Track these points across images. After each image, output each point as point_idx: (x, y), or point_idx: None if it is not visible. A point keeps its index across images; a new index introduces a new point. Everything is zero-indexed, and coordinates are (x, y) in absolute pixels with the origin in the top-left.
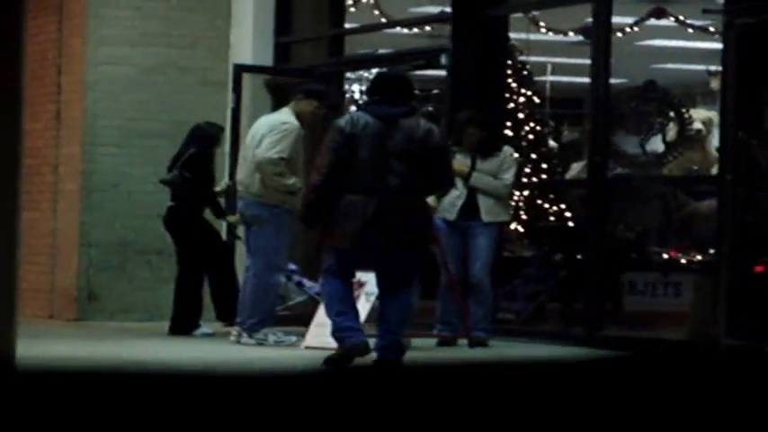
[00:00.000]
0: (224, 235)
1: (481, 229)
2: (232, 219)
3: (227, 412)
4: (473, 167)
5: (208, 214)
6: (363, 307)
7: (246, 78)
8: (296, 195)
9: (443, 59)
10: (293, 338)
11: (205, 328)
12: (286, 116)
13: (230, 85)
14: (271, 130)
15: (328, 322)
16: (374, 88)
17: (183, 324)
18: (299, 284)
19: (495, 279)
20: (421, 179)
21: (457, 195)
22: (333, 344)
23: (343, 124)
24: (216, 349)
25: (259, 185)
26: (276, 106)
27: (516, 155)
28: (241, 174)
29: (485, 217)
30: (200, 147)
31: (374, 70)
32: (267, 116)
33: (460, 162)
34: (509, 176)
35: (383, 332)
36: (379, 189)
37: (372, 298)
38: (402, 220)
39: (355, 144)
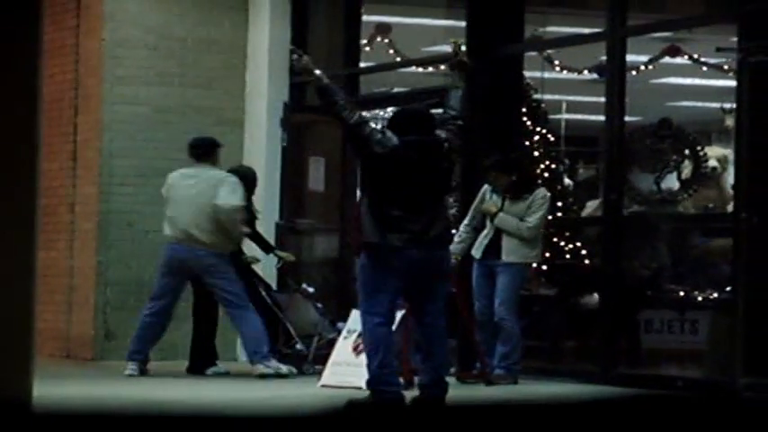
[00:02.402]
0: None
1: (503, 268)
2: (282, 254)
3: None
4: (501, 208)
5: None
6: (342, 344)
7: (263, 116)
8: (240, 245)
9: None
10: (283, 368)
11: (219, 366)
12: (224, 173)
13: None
14: (219, 181)
15: (347, 360)
16: (404, 123)
17: (200, 363)
18: (333, 323)
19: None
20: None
21: (484, 234)
22: (351, 383)
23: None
24: (233, 388)
25: (213, 235)
26: (291, 141)
27: (548, 195)
28: (182, 222)
29: (505, 257)
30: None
31: (389, 109)
32: (198, 169)
33: (489, 202)
34: (533, 219)
35: (429, 369)
36: (419, 216)
37: (354, 336)
38: (442, 251)
39: (394, 163)
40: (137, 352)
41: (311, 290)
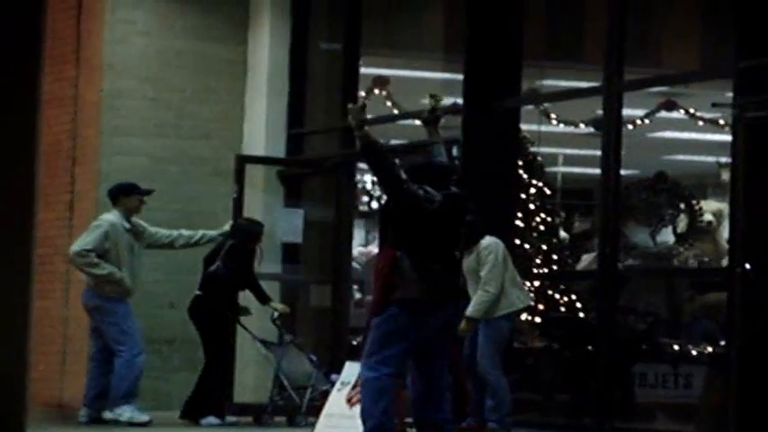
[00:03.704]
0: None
1: (482, 323)
2: (278, 306)
3: None
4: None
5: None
6: (335, 396)
7: (259, 169)
8: (121, 286)
9: (455, 151)
10: (145, 417)
11: (211, 418)
12: (105, 215)
13: (233, 176)
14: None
15: (340, 412)
16: (436, 177)
17: (193, 410)
18: (327, 374)
19: (506, 371)
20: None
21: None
22: None
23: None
24: None
25: (92, 277)
26: (288, 197)
27: (494, 242)
28: None
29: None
30: (240, 240)
31: None
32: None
33: None
34: (486, 275)
35: (441, 421)
36: (453, 270)
37: (347, 388)
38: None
39: (437, 218)
40: (86, 397)
41: (314, 358)
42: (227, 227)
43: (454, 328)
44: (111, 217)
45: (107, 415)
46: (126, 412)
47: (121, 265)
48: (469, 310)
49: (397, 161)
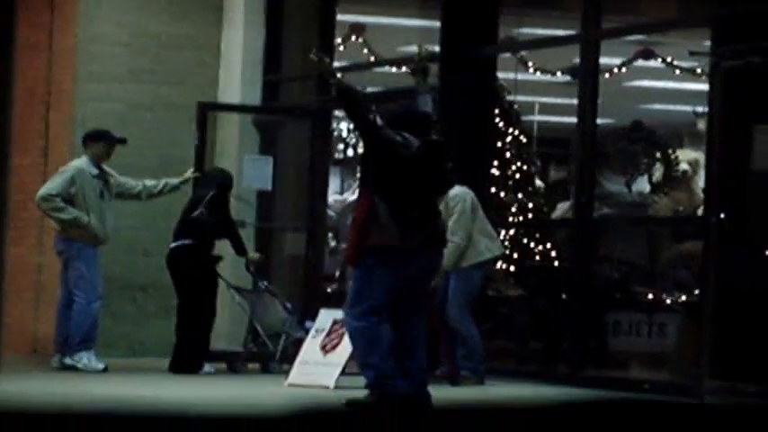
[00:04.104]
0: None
1: (453, 274)
2: (253, 256)
3: None
4: None
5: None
6: (310, 344)
7: (233, 117)
8: (88, 230)
9: (430, 98)
10: (100, 366)
11: (208, 367)
12: (74, 161)
13: (194, 123)
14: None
15: (315, 360)
16: (415, 125)
17: (187, 363)
18: (301, 322)
19: (476, 319)
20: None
21: None
22: (318, 382)
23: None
24: (201, 387)
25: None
26: (263, 143)
27: (461, 191)
28: None
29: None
30: (219, 189)
31: None
32: None
33: None
34: (454, 225)
35: (413, 369)
36: (433, 217)
37: (322, 335)
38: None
39: (415, 164)
40: (56, 343)
41: (289, 305)
42: (188, 174)
43: (432, 275)
44: (79, 162)
45: (67, 361)
46: (83, 359)
47: (89, 210)
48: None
49: (374, 108)
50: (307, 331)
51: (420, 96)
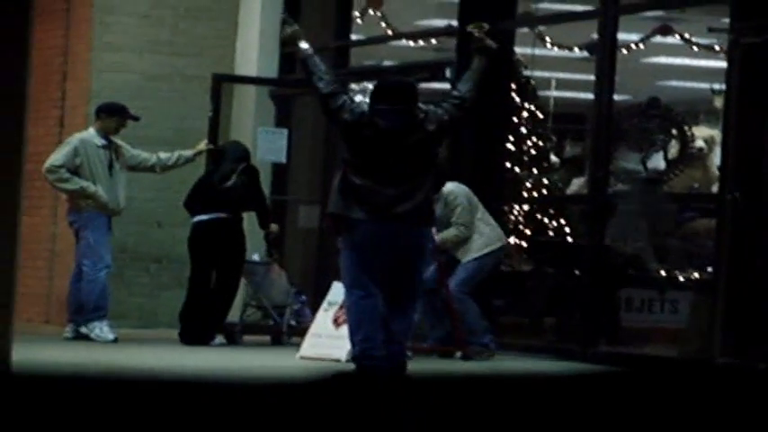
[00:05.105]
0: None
1: (461, 265)
2: (273, 227)
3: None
4: None
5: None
6: (322, 317)
7: (250, 89)
8: (96, 200)
9: (448, 73)
10: (111, 336)
11: (219, 338)
12: (80, 133)
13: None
14: None
15: (327, 333)
16: (379, 94)
17: (199, 333)
18: (298, 293)
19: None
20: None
21: None
22: (330, 355)
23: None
24: (213, 358)
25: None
26: (279, 116)
27: (454, 187)
28: None
29: (460, 256)
30: (247, 161)
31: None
32: None
33: None
34: (457, 218)
35: (386, 342)
36: (387, 189)
37: (334, 308)
38: (411, 228)
39: (361, 131)
40: (69, 313)
41: (304, 298)
42: (202, 146)
43: (404, 252)
44: (84, 134)
45: (83, 330)
46: (95, 329)
47: (96, 180)
48: (438, 237)
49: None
50: (303, 303)
51: (467, 73)
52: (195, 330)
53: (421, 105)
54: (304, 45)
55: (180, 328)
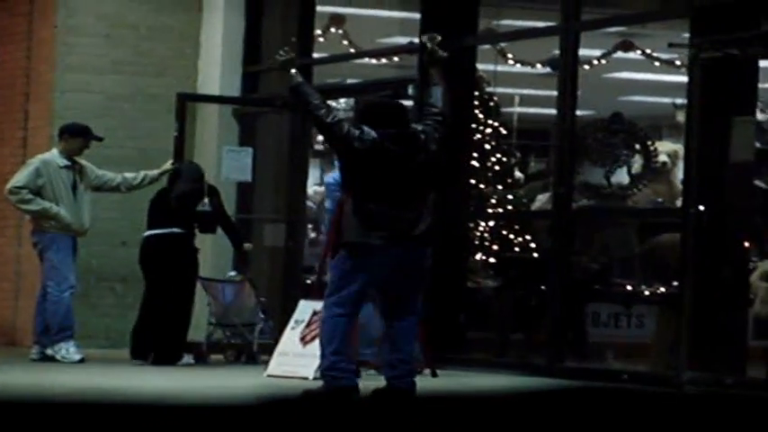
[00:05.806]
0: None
1: None
2: (248, 246)
3: None
4: None
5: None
6: (289, 335)
7: (213, 108)
8: (59, 221)
9: (410, 90)
10: (77, 357)
11: (187, 358)
12: (42, 154)
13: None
14: None
15: (294, 351)
16: (378, 116)
17: (168, 354)
18: (263, 311)
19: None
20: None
21: None
22: (297, 373)
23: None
24: (177, 378)
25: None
26: (243, 135)
27: None
28: None
29: None
30: (200, 182)
31: (342, 100)
32: None
33: None
34: None
35: (396, 361)
36: (404, 212)
37: (301, 326)
38: (424, 249)
39: (375, 157)
40: (35, 334)
41: (263, 316)
42: (167, 165)
43: (416, 271)
44: (47, 155)
45: (48, 352)
46: (62, 350)
47: (59, 201)
48: None
49: (343, 102)
50: (264, 321)
51: (433, 89)
52: (149, 348)
53: (415, 126)
54: (294, 72)
55: (131, 345)
